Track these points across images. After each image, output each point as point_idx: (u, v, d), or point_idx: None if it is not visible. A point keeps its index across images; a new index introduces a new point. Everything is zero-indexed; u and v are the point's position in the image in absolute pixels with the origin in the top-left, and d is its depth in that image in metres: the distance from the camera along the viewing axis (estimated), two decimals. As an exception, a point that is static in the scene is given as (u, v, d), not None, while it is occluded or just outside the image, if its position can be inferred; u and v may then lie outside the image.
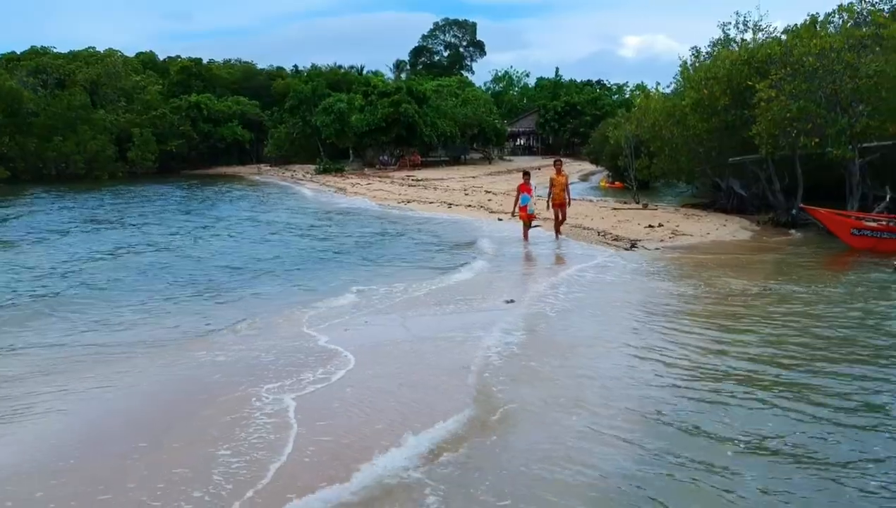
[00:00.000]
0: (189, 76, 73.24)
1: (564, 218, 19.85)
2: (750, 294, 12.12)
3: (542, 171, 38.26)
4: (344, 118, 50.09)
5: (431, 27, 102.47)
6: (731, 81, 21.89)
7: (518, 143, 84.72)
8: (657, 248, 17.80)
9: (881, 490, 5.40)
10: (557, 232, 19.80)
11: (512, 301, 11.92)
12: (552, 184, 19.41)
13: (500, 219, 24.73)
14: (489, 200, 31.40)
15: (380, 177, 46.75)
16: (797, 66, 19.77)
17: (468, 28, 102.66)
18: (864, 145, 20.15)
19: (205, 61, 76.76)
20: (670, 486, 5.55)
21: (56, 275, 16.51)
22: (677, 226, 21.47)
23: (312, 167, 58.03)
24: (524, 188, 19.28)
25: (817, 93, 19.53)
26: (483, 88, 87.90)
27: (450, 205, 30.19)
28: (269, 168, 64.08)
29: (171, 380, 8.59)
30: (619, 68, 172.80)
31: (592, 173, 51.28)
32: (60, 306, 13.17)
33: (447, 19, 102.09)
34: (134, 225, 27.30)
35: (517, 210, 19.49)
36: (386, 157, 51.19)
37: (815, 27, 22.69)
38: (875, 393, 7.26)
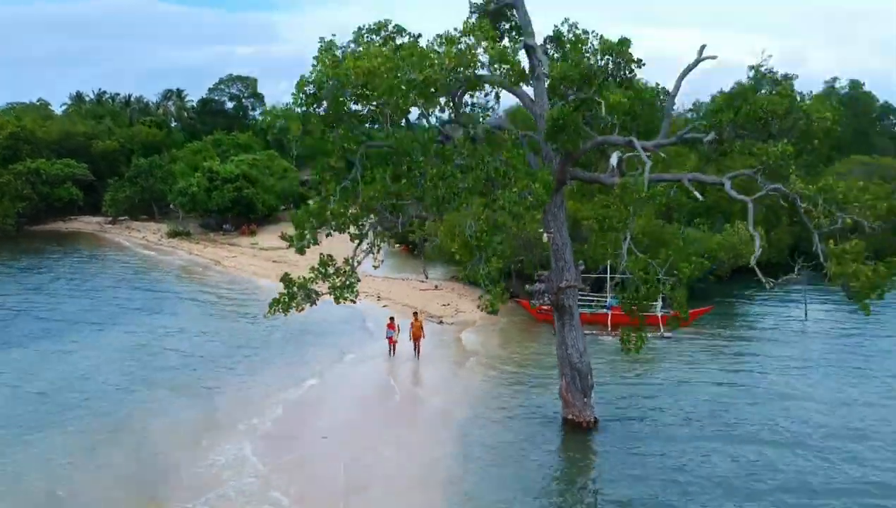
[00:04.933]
0: (17, 140, 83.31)
1: (419, 345, 32.02)
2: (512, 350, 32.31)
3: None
4: (196, 199, 66.10)
5: (217, 81, 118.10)
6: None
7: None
8: (452, 323, 37.84)
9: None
10: (417, 351, 31.97)
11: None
12: (412, 326, 32.21)
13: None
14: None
15: (229, 244, 63.30)
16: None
17: (250, 82, 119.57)
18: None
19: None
20: None
21: None
22: (457, 304, 41.74)
23: (155, 225, 72.93)
24: (391, 326, 32.13)
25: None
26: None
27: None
28: (110, 225, 77.12)
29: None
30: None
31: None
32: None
33: (231, 75, 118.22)
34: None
35: (386, 338, 32.52)
36: (228, 225, 67.70)
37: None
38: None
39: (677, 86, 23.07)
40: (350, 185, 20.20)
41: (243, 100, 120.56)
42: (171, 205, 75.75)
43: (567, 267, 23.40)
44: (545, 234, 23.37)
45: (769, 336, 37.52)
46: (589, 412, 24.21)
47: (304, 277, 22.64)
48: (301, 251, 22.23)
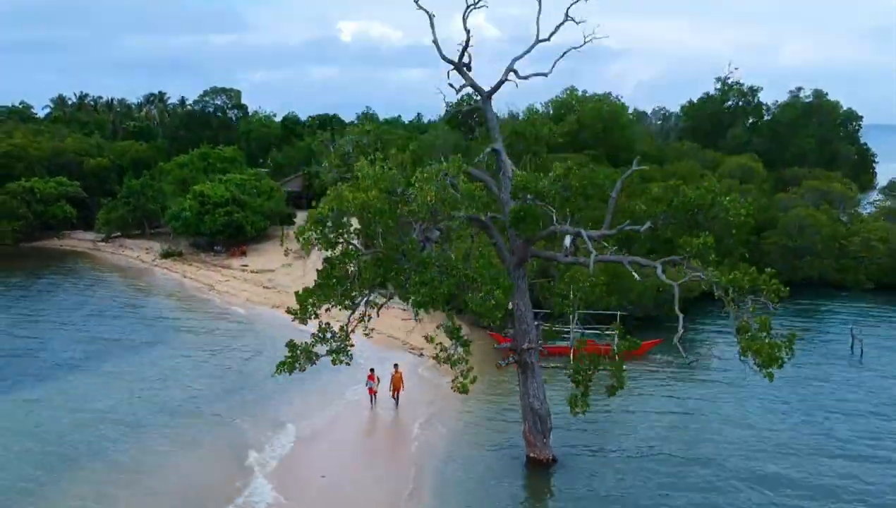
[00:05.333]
0: (10, 158, 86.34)
1: (398, 395, 34.86)
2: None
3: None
4: (188, 224, 69.73)
5: (202, 93, 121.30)
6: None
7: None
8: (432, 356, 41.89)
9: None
10: (396, 401, 34.84)
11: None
12: (392, 378, 35.05)
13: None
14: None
15: (221, 267, 67.00)
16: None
17: (233, 94, 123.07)
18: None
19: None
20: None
21: None
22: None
23: (147, 243, 76.61)
24: (371, 377, 34.87)
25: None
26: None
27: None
28: (103, 243, 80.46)
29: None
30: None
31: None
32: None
33: (215, 87, 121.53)
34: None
35: (366, 388, 35.03)
36: (219, 247, 71.34)
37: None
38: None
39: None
40: (349, 286, 24.05)
41: (227, 111, 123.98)
42: (163, 223, 79.43)
43: (529, 329, 27.66)
44: (510, 303, 27.51)
45: (711, 367, 41.63)
46: (548, 451, 28.54)
47: (306, 342, 26.36)
48: (304, 322, 26.11)
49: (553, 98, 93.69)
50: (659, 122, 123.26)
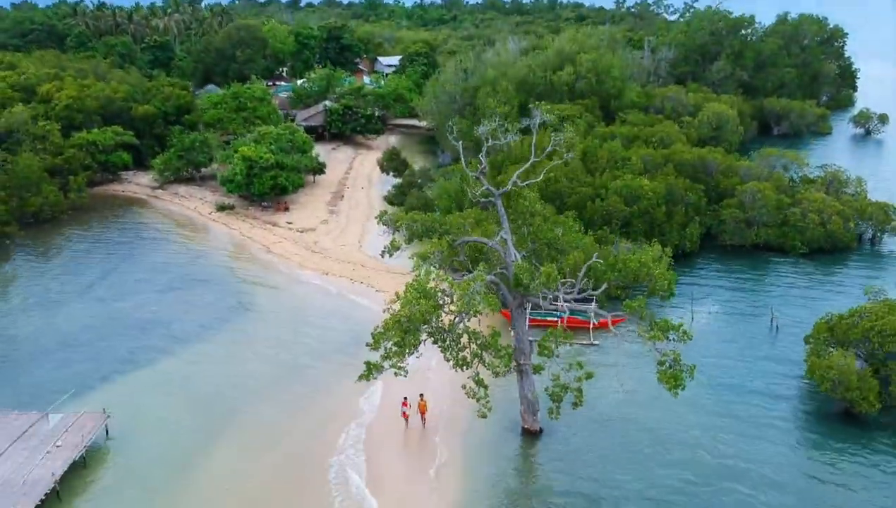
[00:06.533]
0: (71, 110, 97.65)
1: (424, 417, 43.47)
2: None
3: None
4: (239, 185, 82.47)
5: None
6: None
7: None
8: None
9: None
10: (423, 422, 43.26)
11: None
12: (418, 405, 43.05)
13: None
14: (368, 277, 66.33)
15: (270, 224, 79.88)
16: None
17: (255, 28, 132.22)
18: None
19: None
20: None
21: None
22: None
23: (199, 193, 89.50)
24: (405, 404, 42.77)
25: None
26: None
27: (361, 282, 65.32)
28: (159, 190, 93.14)
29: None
30: None
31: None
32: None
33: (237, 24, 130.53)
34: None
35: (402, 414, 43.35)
36: (267, 203, 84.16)
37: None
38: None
39: None
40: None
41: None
42: (215, 167, 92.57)
43: (525, 349, 41.26)
44: (511, 331, 41.06)
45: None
46: (537, 424, 42.76)
47: (378, 362, 39.02)
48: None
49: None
50: (651, 53, 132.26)
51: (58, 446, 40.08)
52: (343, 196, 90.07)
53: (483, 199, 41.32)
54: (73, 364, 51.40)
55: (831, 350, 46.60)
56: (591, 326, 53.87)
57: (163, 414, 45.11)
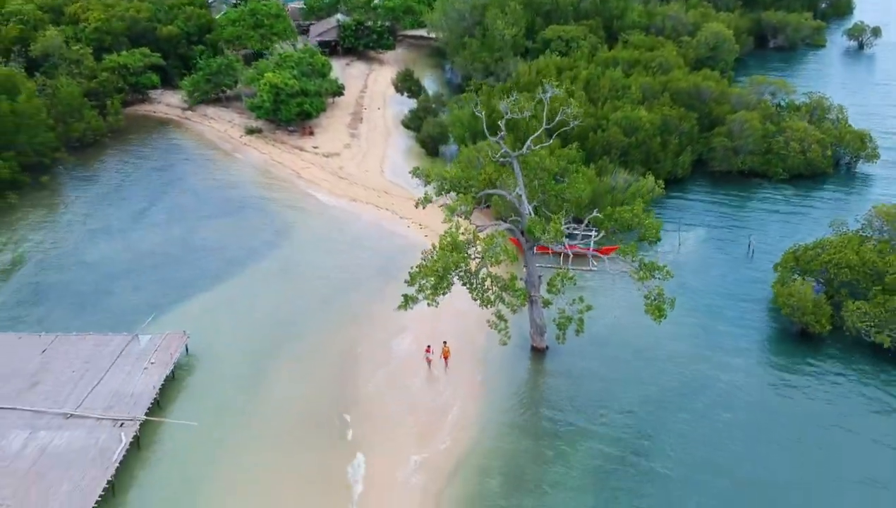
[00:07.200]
0: (100, 33, 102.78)
1: (447, 361, 49.63)
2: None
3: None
4: (267, 111, 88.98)
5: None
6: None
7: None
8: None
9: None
10: (446, 365, 49.51)
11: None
12: (442, 351, 49.16)
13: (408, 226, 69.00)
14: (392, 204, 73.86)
15: (297, 149, 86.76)
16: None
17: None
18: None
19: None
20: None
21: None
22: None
23: (228, 116, 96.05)
24: (428, 350, 48.91)
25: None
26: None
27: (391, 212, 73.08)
28: (189, 112, 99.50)
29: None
30: None
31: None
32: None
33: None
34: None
35: (426, 359, 49.96)
36: (293, 128, 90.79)
37: None
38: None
39: None
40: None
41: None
42: (241, 87, 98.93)
43: (534, 282, 49.46)
44: (523, 268, 49.18)
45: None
46: (544, 343, 51.49)
47: (413, 295, 47.11)
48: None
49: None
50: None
51: (152, 363, 48.85)
52: (362, 118, 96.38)
53: (502, 159, 48.63)
54: (144, 288, 59.63)
55: (796, 277, 54.91)
56: (591, 254, 61.85)
57: (230, 332, 53.73)
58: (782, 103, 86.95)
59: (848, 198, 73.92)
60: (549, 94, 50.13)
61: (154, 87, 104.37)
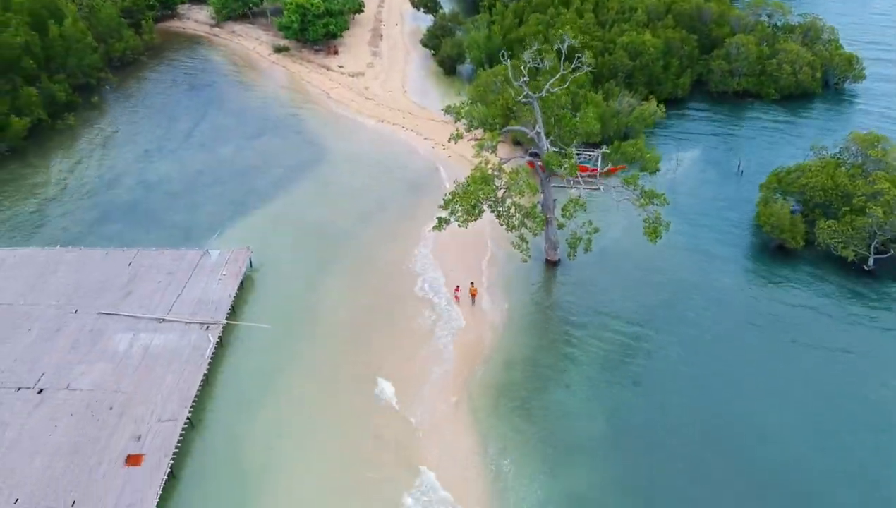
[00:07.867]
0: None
1: (474, 299, 55.88)
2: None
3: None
4: (295, 31, 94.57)
5: None
6: None
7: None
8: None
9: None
10: (473, 302, 55.27)
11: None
12: (469, 290, 55.71)
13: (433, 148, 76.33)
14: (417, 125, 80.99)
15: (324, 68, 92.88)
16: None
17: None
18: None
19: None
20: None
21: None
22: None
23: (254, 33, 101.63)
24: (457, 290, 55.86)
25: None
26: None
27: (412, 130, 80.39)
28: (217, 28, 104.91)
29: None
30: None
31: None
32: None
33: None
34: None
35: (454, 296, 57.66)
36: (319, 47, 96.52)
37: None
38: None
39: None
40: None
41: None
42: (266, 5, 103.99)
43: (549, 205, 57.44)
44: (539, 203, 57.12)
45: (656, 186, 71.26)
46: (557, 256, 59.96)
47: (447, 217, 55.15)
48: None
49: None
50: None
51: (224, 274, 57.40)
52: (381, 34, 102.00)
53: (524, 99, 55.78)
54: (201, 206, 67.57)
55: (777, 196, 62.87)
56: (598, 174, 69.59)
57: (286, 247, 62.03)
58: (778, 24, 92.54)
59: (833, 114, 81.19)
60: (566, 43, 56.71)
61: (182, 2, 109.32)
